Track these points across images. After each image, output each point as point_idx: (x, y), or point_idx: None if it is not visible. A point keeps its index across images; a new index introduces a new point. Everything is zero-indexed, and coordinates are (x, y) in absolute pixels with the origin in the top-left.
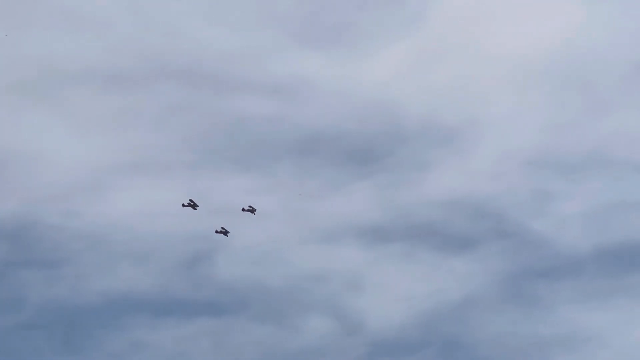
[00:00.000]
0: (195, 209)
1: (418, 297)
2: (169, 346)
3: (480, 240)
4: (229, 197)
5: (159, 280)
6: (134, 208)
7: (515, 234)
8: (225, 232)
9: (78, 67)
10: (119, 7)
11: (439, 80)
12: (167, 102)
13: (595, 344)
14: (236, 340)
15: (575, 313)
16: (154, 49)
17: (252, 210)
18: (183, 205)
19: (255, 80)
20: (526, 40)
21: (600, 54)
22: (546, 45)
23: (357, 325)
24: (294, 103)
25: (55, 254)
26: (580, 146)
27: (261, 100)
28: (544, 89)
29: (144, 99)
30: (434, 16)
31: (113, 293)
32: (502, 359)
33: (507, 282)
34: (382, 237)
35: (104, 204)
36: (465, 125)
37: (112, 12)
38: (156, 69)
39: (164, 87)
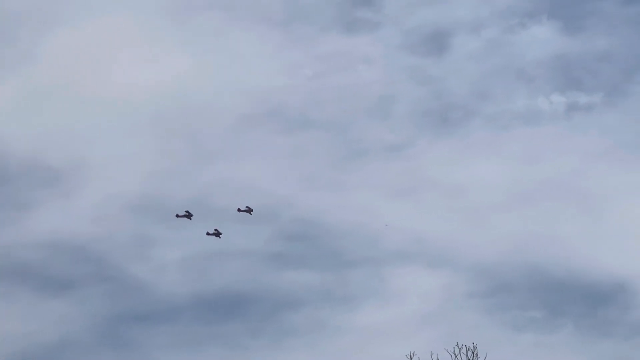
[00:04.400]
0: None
1: (14, 337)
2: None
3: (80, 282)
4: None
5: None
6: None
7: (115, 278)
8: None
9: None
10: None
11: (46, 121)
12: None
13: None
14: None
15: (170, 358)
16: None
17: (248, 210)
18: (177, 215)
19: None
20: (136, 86)
21: (206, 103)
22: (155, 92)
23: None
24: None
25: None
26: (183, 193)
27: None
28: (151, 134)
29: None
30: (44, 56)
31: None
32: None
33: (105, 326)
34: None
35: None
36: (70, 167)
37: None
38: None
39: None
